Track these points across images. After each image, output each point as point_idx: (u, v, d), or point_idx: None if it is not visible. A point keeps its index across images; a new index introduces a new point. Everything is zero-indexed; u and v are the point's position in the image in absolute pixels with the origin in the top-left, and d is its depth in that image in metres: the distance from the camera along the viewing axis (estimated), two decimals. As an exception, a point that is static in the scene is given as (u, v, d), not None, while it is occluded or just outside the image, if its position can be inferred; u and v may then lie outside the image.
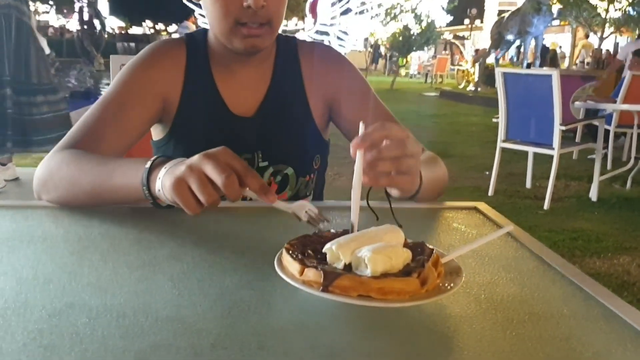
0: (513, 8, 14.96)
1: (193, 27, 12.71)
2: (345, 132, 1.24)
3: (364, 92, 1.23)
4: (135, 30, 40.79)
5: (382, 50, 22.07)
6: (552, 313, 0.64)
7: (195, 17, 11.32)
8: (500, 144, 4.62)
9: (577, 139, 5.99)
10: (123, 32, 37.77)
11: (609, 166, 5.66)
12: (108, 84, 1.22)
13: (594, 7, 14.00)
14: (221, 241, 0.84)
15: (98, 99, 1.11)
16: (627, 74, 5.87)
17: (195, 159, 0.78)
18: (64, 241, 0.82)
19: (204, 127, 1.16)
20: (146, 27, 40.68)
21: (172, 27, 29.87)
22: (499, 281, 0.73)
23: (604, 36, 14.57)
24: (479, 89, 15.10)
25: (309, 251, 0.69)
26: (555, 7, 14.43)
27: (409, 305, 0.59)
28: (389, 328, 0.60)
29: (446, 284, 0.64)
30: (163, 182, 0.81)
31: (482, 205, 1.05)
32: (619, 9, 13.98)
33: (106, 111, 1.09)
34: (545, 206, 4.32)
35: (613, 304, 0.66)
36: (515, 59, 18.52)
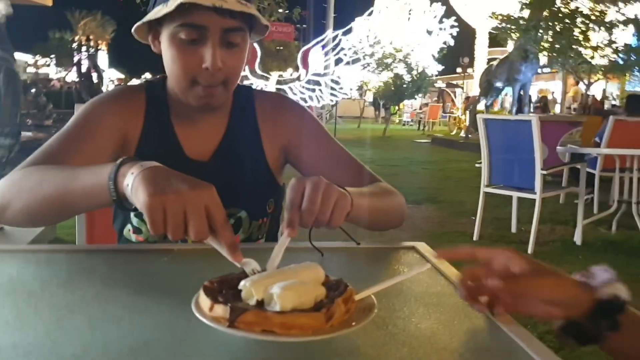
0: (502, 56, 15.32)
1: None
2: (299, 170, 1.30)
3: (320, 136, 1.29)
4: (134, 82, 41.58)
5: (371, 97, 22.47)
6: (457, 347, 0.66)
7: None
8: (483, 189, 4.67)
9: (563, 183, 6.04)
10: (122, 83, 38.47)
11: (595, 210, 5.69)
12: None
13: (580, 55, 14.32)
14: (152, 281, 0.86)
15: (61, 129, 1.14)
16: (610, 119, 5.97)
17: (182, 189, 0.75)
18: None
19: None
20: (144, 79, 41.46)
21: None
22: (414, 317, 0.74)
23: (591, 82, 14.85)
24: (469, 135, 15.28)
25: (227, 289, 0.71)
26: (543, 55, 14.77)
27: (309, 340, 0.61)
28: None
29: (353, 322, 0.65)
30: (136, 185, 0.78)
31: (421, 246, 1.07)
32: (603, 56, 14.30)
33: (69, 139, 1.12)
34: (529, 250, 4.33)
35: (522, 339, 0.68)
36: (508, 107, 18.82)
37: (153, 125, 1.22)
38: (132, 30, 1.16)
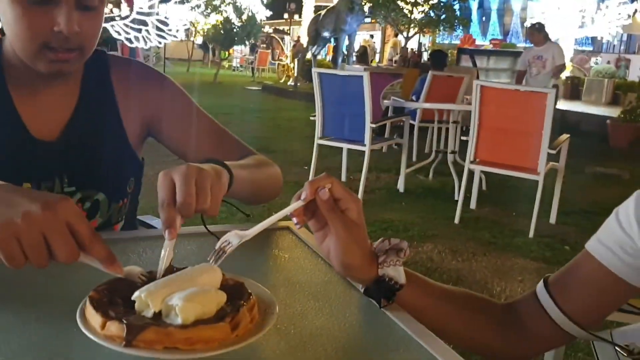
0: (329, 4, 15.66)
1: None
2: (170, 148, 1.21)
3: (185, 107, 1.20)
4: None
5: (200, 40, 21.74)
6: (358, 343, 0.69)
7: None
8: (317, 141, 4.84)
9: (386, 134, 6.47)
10: None
11: (414, 158, 6.21)
12: None
13: (401, 9, 15.20)
14: (21, 290, 0.76)
15: None
16: (429, 74, 6.47)
17: (33, 211, 0.64)
18: None
19: (1, 152, 1.05)
20: None
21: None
22: (309, 313, 0.76)
23: (409, 36, 15.87)
24: (298, 84, 15.59)
25: (117, 299, 0.66)
26: (367, 7, 15.40)
27: (215, 354, 0.59)
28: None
29: (255, 327, 0.65)
30: None
31: (293, 226, 1.08)
32: (422, 12, 15.35)
33: None
34: (359, 197, 4.61)
35: (412, 329, 0.73)
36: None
37: None
38: None
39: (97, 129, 1.13)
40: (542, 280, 0.87)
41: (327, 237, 0.78)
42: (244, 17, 17.91)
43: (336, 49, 15.42)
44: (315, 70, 4.87)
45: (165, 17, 11.48)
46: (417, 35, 17.33)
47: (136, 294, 0.64)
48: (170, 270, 0.72)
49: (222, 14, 17.52)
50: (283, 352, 0.66)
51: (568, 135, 4.17)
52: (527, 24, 16.31)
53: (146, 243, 0.97)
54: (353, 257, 0.78)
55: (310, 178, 3.50)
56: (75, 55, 1.00)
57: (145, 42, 11.05)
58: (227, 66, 24.88)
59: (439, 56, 7.65)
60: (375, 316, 0.77)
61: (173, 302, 0.62)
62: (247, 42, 20.62)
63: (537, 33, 7.37)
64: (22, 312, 0.71)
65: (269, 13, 19.84)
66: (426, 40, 22.90)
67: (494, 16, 23.37)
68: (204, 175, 0.77)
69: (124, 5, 11.37)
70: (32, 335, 0.66)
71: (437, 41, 22.08)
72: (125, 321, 0.60)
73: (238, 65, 25.40)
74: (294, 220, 0.78)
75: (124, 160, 1.17)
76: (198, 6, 15.26)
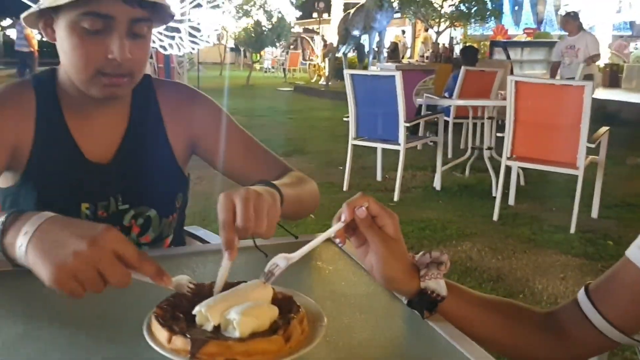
0: (358, 2, 15.64)
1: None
2: (212, 165, 1.26)
3: (228, 127, 1.25)
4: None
5: (233, 44, 21.99)
6: (404, 353, 0.72)
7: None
8: (351, 142, 4.86)
9: (421, 132, 6.44)
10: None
11: (449, 155, 6.17)
12: None
13: (431, 3, 15.07)
14: (82, 312, 0.81)
15: None
16: (462, 70, 6.42)
17: (82, 249, 0.69)
18: None
19: (59, 176, 1.12)
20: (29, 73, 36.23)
21: (7, 22, 27.00)
22: (355, 324, 0.79)
23: (440, 30, 15.73)
24: (329, 83, 15.63)
25: (179, 314, 0.71)
26: (396, 3, 15.32)
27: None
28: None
29: (306, 339, 0.69)
30: (32, 261, 0.72)
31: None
32: (452, 5, 15.18)
33: None
34: (395, 198, 4.62)
35: (455, 339, 0.75)
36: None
37: (46, 127, 1.11)
38: (21, 17, 1.05)
39: (146, 150, 1.19)
40: (583, 288, 0.88)
41: (368, 252, 0.82)
42: (274, 19, 18.06)
43: (359, 47, 15.41)
44: (347, 72, 4.89)
45: (197, 24, 11.68)
46: (448, 30, 17.15)
47: (197, 308, 0.69)
48: (224, 285, 0.76)
49: (252, 18, 17.70)
50: (336, 364, 0.69)
51: (607, 128, 4.09)
52: (562, 11, 15.99)
53: (198, 258, 1.03)
54: (394, 270, 0.81)
55: (345, 179, 3.55)
56: (127, 80, 1.06)
57: (179, 48, 11.27)
58: (258, 68, 25.11)
59: (470, 52, 7.61)
60: (419, 327, 0.79)
61: (231, 316, 0.67)
62: (277, 44, 20.75)
63: (571, 21, 7.24)
64: (95, 332, 0.76)
65: (298, 14, 19.93)
66: (458, 33, 22.65)
67: (526, 5, 22.92)
68: (262, 200, 0.83)
69: (156, 13, 11.58)
70: (108, 350, 0.71)
71: (468, 33, 21.80)
72: (189, 335, 0.65)
73: (269, 67, 25.60)
74: (337, 241, 0.82)
75: (171, 177, 1.23)
76: (230, 11, 15.42)
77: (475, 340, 0.76)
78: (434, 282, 0.82)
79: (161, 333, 0.67)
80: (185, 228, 1.48)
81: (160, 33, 11.52)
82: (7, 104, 1.09)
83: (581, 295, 0.87)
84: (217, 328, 0.68)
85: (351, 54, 16.10)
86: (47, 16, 1.04)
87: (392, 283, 0.83)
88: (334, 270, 0.99)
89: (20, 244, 0.73)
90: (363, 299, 0.88)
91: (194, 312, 0.69)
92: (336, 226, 0.81)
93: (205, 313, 0.68)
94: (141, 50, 1.06)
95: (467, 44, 10.53)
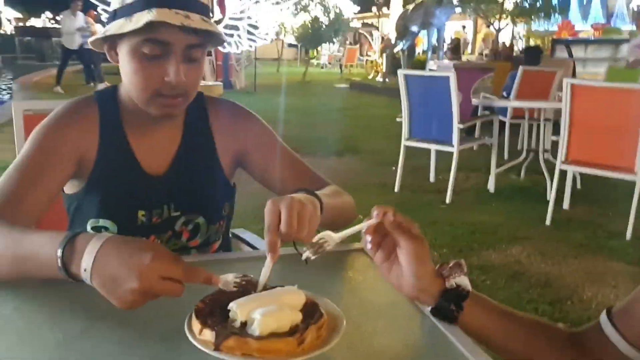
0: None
1: (91, 21, 12.20)
2: (256, 178, 1.36)
3: (271, 143, 1.35)
4: (34, 21, 38.25)
5: (290, 38, 22.23)
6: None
7: (96, 12, 10.89)
8: (404, 142, 4.88)
9: (476, 134, 6.37)
10: (21, 24, 35.37)
11: (505, 156, 6.08)
12: None
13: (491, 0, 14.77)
14: (133, 310, 0.90)
15: (13, 163, 1.13)
16: (519, 69, 6.30)
17: (133, 286, 0.78)
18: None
19: (119, 185, 1.23)
20: (46, 19, 38.22)
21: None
22: (377, 331, 0.85)
23: (501, 27, 15.39)
24: (386, 80, 15.57)
25: (217, 309, 0.79)
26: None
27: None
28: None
29: (321, 343, 0.76)
30: (97, 285, 0.82)
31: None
32: (514, 1, 14.82)
33: (23, 175, 1.12)
34: (447, 200, 4.61)
35: (471, 352, 0.80)
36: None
37: (108, 141, 1.22)
38: (89, 41, 1.17)
39: (197, 162, 1.29)
40: (604, 311, 0.88)
41: (392, 266, 0.88)
42: (331, 15, 18.14)
43: (410, 46, 15.30)
44: (400, 72, 4.89)
45: (256, 21, 11.87)
46: (509, 27, 16.75)
47: (231, 304, 0.78)
48: (264, 286, 0.85)
49: (309, 13, 17.84)
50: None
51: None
52: (634, 5, 15.33)
53: (246, 264, 1.13)
54: (421, 269, 0.88)
55: (397, 179, 3.59)
56: (181, 100, 1.16)
57: (237, 46, 11.51)
58: (315, 64, 25.27)
59: (533, 53, 7.44)
60: (438, 338, 0.85)
61: (254, 315, 0.75)
62: (334, 40, 20.83)
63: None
64: (144, 328, 0.85)
65: (356, 9, 19.93)
66: (521, 28, 22.05)
67: (595, -2, 22.02)
68: (305, 209, 0.91)
69: (216, 10, 11.87)
70: (155, 345, 0.80)
71: (532, 29, 21.17)
72: (215, 329, 0.74)
73: (326, 63, 25.72)
74: (367, 237, 0.90)
75: (219, 187, 1.33)
76: (288, 7, 15.61)
77: (494, 351, 0.80)
78: (459, 279, 0.89)
79: (195, 325, 0.76)
80: (232, 230, 1.58)
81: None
82: (73, 118, 1.21)
83: (603, 319, 0.88)
84: (244, 325, 0.76)
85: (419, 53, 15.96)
86: (111, 41, 1.15)
87: (420, 280, 0.88)
88: (363, 279, 1.05)
89: (85, 278, 0.84)
90: (387, 307, 0.94)
91: (228, 307, 0.78)
92: (369, 222, 0.89)
93: (236, 310, 0.77)
94: (195, 73, 1.15)
95: (532, 44, 10.20)
